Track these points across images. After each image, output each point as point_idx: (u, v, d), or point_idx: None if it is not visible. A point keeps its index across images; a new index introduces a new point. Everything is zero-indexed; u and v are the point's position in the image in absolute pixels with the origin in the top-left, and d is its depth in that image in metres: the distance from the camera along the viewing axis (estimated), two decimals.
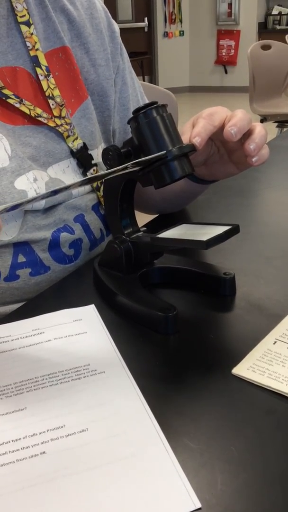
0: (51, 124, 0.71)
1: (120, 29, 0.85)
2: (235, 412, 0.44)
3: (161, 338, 0.54)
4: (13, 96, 0.68)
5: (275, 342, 0.52)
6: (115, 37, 0.83)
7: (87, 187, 0.76)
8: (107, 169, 0.57)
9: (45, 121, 0.70)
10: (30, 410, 0.45)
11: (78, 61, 0.77)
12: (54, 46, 0.74)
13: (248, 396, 0.45)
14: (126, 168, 0.53)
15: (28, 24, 0.71)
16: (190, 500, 0.36)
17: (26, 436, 0.42)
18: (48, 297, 0.66)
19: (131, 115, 0.58)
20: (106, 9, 0.84)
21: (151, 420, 0.43)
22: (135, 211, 0.68)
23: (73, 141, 0.73)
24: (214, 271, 0.63)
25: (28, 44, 0.70)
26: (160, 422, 0.42)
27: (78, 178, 0.74)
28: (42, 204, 0.68)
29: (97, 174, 0.74)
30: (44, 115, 0.70)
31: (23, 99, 0.69)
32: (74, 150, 0.73)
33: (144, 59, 7.69)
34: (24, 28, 0.70)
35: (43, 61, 0.71)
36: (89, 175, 0.75)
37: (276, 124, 4.02)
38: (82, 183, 0.50)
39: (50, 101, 0.72)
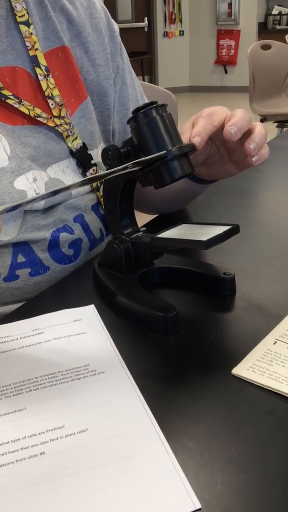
0: (51, 124, 0.71)
1: (120, 29, 0.85)
2: (235, 413, 0.44)
3: (161, 338, 0.54)
4: (12, 97, 0.68)
5: (275, 342, 0.52)
6: (115, 36, 0.82)
7: (87, 187, 0.76)
8: (106, 169, 0.57)
9: (45, 121, 0.70)
10: (30, 411, 0.44)
11: (78, 61, 0.77)
12: (53, 46, 0.74)
13: (248, 397, 0.45)
14: (126, 168, 0.53)
15: (27, 24, 0.70)
16: (190, 501, 0.36)
17: (25, 437, 0.42)
18: (48, 297, 0.66)
19: (131, 115, 0.58)
20: (106, 9, 0.84)
21: (151, 420, 0.43)
22: (135, 211, 0.68)
23: (73, 141, 0.73)
24: (214, 271, 0.63)
25: (27, 44, 0.70)
26: (160, 422, 0.42)
27: (78, 178, 0.74)
28: (41, 204, 0.68)
29: (97, 174, 0.74)
30: (44, 115, 0.70)
31: (23, 100, 0.69)
32: (74, 150, 0.73)
33: (144, 59, 7.69)
34: (23, 28, 0.70)
35: (42, 61, 0.71)
36: (88, 175, 0.75)
37: (276, 124, 4.02)
38: (82, 183, 0.50)
39: (50, 101, 0.72)
